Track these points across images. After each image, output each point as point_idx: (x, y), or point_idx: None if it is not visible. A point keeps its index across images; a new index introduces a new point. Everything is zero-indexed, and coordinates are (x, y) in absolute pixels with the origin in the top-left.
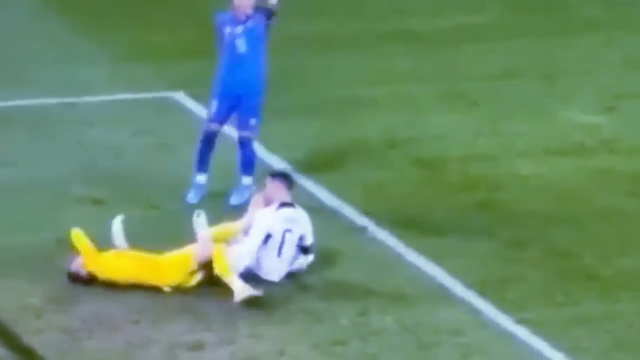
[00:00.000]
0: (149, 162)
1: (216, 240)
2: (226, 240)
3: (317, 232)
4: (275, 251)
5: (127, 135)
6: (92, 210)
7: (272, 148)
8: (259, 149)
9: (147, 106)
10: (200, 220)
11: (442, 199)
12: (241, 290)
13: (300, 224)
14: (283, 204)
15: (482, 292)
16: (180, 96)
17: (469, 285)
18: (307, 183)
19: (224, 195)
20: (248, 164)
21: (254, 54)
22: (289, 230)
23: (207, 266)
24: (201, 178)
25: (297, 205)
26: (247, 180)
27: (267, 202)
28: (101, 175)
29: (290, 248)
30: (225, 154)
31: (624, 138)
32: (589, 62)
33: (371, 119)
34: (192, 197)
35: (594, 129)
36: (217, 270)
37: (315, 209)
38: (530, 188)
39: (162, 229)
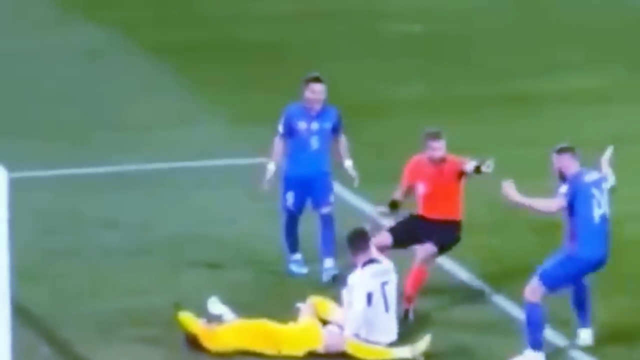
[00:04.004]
0: (263, 227)
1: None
2: (321, 315)
3: (433, 295)
4: (382, 307)
5: (242, 200)
6: (206, 275)
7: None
8: (370, 210)
9: (262, 170)
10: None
11: None
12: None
13: (391, 272)
14: (365, 263)
15: (603, 358)
16: None
17: (588, 351)
18: None
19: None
20: (331, 242)
21: (326, 148)
22: (385, 283)
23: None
24: (297, 256)
25: (379, 258)
26: (329, 262)
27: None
28: (215, 240)
29: (393, 299)
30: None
31: None
32: None
33: (486, 183)
34: (299, 269)
35: None
36: (372, 358)
37: (436, 275)
38: None
39: (276, 295)
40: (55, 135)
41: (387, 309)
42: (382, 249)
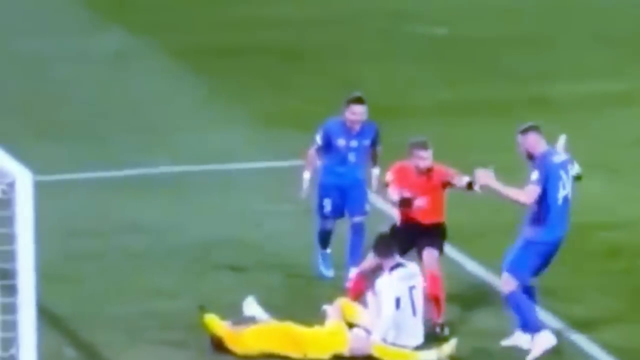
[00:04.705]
0: (290, 229)
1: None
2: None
3: (459, 299)
4: (410, 311)
5: (268, 202)
6: (232, 278)
7: None
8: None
9: (288, 173)
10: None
11: (585, 266)
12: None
13: (418, 276)
14: (393, 267)
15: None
16: None
17: (616, 353)
18: (453, 253)
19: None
20: (359, 251)
21: (362, 161)
22: (413, 287)
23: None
24: (328, 250)
25: (405, 262)
26: (354, 272)
27: (379, 271)
28: (241, 242)
29: (420, 303)
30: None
31: None
32: None
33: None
34: (327, 271)
35: None
36: None
37: (462, 278)
38: None
39: (304, 297)
40: (82, 138)
41: (414, 312)
42: (374, 270)
